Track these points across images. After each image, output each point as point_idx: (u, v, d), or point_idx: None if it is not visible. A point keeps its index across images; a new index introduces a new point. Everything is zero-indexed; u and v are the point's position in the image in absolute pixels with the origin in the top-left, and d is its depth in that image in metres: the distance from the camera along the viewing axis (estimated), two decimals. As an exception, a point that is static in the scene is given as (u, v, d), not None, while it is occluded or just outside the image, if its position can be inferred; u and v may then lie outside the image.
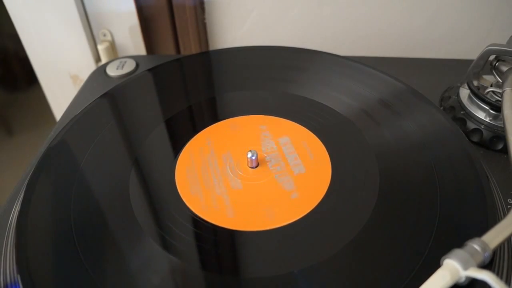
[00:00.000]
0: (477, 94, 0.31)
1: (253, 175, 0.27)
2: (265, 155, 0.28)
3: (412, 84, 0.32)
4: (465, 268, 0.18)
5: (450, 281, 0.17)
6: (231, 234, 0.23)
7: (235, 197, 0.25)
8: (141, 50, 0.53)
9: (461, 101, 0.33)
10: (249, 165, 0.27)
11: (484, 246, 0.18)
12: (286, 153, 0.28)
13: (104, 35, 0.52)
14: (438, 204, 0.23)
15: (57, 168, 0.27)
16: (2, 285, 0.22)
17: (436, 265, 0.18)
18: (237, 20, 0.51)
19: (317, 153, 0.28)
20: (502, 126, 0.26)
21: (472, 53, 0.34)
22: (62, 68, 0.54)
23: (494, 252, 0.19)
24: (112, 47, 0.53)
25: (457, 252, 0.18)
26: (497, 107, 0.30)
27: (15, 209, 0.26)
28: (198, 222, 0.24)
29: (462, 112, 0.32)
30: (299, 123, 0.31)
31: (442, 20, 0.48)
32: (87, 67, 0.53)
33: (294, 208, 0.24)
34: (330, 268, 0.21)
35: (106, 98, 0.33)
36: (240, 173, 0.27)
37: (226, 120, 0.31)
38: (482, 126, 0.31)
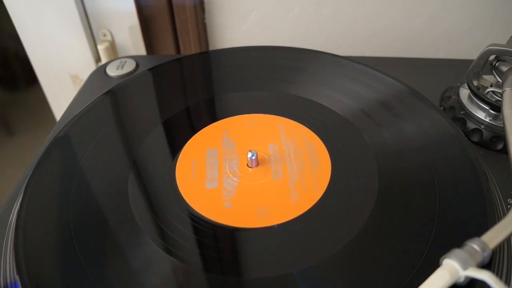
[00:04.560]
0: (477, 94, 0.31)
1: (253, 175, 0.27)
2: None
3: (412, 84, 0.32)
4: (465, 268, 0.18)
5: (449, 281, 0.17)
6: (231, 233, 0.23)
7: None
8: (141, 50, 0.53)
9: (461, 101, 0.33)
10: (249, 165, 0.27)
11: (484, 246, 0.18)
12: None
13: (104, 35, 0.52)
14: (437, 204, 0.23)
15: (57, 168, 0.27)
16: (2, 285, 0.22)
17: (436, 265, 0.18)
18: (237, 20, 0.51)
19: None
20: (502, 126, 0.26)
21: (472, 53, 0.34)
22: (62, 68, 0.54)
23: (494, 252, 0.19)
24: (112, 47, 0.53)
25: (457, 252, 0.18)
26: (497, 107, 0.30)
27: (15, 209, 0.26)
28: (197, 221, 0.24)
29: (462, 112, 0.32)
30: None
31: (442, 20, 0.48)
32: (87, 67, 0.53)
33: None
34: (330, 268, 0.21)
35: (106, 98, 0.33)
36: (240, 173, 0.27)
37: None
38: (482, 126, 0.31)
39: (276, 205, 0.25)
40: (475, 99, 0.31)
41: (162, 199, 0.25)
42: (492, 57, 0.31)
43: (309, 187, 0.25)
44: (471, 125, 0.31)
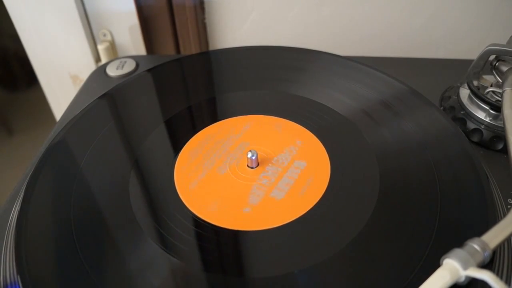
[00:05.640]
0: (477, 94, 0.31)
1: (253, 175, 0.27)
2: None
3: (412, 84, 0.32)
4: (465, 267, 0.18)
5: (449, 280, 0.17)
6: (231, 234, 0.23)
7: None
8: (141, 50, 0.53)
9: (461, 101, 0.33)
10: (249, 165, 0.27)
11: (484, 246, 0.18)
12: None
13: (104, 35, 0.52)
14: (438, 204, 0.23)
15: (57, 168, 0.27)
16: (2, 285, 0.22)
17: (436, 265, 0.18)
18: (237, 20, 0.51)
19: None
20: (502, 126, 0.26)
21: (472, 53, 0.35)
22: (62, 68, 0.54)
23: (494, 252, 0.19)
24: (112, 47, 0.53)
25: (457, 251, 0.18)
26: (497, 107, 0.30)
27: (15, 209, 0.26)
28: (197, 223, 0.24)
29: (462, 112, 0.32)
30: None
31: (442, 20, 0.48)
32: (87, 67, 0.53)
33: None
34: (330, 268, 0.21)
35: (106, 98, 0.33)
36: (240, 173, 0.27)
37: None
38: (482, 126, 0.31)
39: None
40: (475, 99, 0.31)
41: (163, 199, 0.25)
42: (492, 57, 0.31)
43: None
44: (471, 125, 0.31)
